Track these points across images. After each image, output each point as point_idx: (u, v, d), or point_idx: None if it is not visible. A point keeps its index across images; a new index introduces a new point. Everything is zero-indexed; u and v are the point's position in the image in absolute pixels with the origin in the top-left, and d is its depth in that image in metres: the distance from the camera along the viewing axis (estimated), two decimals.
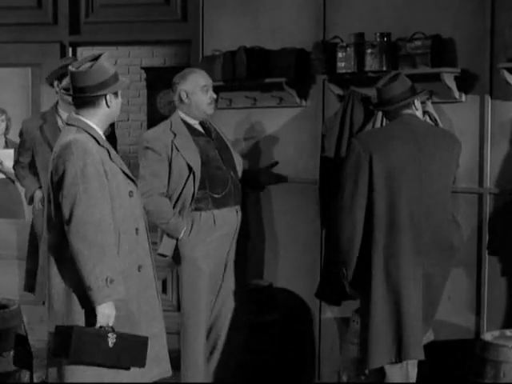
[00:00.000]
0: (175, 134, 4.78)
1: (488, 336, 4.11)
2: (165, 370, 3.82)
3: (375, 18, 5.11)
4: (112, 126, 5.17)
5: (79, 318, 3.57)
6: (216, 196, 4.80)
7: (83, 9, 6.73)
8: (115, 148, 5.05)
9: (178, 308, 6.50)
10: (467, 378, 4.11)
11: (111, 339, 3.51)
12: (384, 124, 4.66)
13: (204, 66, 5.93)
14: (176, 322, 6.42)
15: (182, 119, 4.85)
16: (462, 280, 4.56)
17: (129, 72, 9.29)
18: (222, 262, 4.88)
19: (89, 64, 3.64)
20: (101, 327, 3.52)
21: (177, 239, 4.77)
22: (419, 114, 4.25)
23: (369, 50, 4.87)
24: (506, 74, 4.42)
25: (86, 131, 3.63)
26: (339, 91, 5.26)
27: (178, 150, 4.74)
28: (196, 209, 4.77)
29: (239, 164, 4.98)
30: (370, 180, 4.02)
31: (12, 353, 4.45)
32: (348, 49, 4.97)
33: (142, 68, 9.62)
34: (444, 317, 4.62)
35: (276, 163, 5.15)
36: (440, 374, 4.57)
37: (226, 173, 4.86)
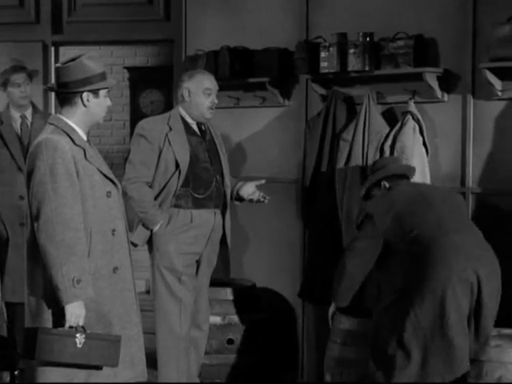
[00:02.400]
0: (171, 128, 4.80)
1: (470, 336, 4.11)
2: (140, 373, 3.75)
3: (358, 17, 5.12)
4: None
5: (49, 318, 3.54)
6: (197, 196, 4.80)
7: (65, 8, 6.71)
8: None
9: None
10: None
11: (79, 339, 3.47)
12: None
13: (187, 65, 5.93)
14: None
15: (180, 115, 4.88)
16: None
17: (112, 72, 9.26)
18: (193, 261, 4.87)
19: (71, 61, 3.61)
20: (70, 327, 3.48)
21: (151, 231, 4.77)
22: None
23: (351, 50, 4.88)
24: (488, 74, 4.43)
25: (63, 130, 3.59)
26: (322, 91, 5.26)
27: (170, 144, 4.76)
28: (175, 205, 4.78)
29: (227, 170, 4.97)
30: None
31: None
32: (331, 48, 4.98)
33: (125, 68, 9.60)
34: None
35: (264, 183, 5.09)
36: None
37: (211, 175, 4.86)
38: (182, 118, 4.88)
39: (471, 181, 4.70)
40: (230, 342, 5.29)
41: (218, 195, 4.89)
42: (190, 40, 6.17)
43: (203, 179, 4.83)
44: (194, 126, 4.91)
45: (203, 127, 4.95)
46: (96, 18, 6.58)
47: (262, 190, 5.00)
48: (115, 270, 3.66)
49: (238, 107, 5.85)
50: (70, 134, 3.60)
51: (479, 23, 4.59)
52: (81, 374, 3.56)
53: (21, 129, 5.36)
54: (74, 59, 3.61)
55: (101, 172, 3.66)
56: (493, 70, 4.43)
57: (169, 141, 4.77)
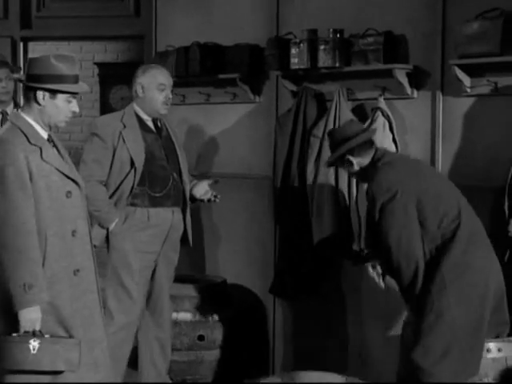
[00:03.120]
0: (125, 125, 4.72)
1: None
2: (104, 376, 3.66)
3: (328, 14, 5.12)
4: None
5: (6, 323, 3.44)
6: (154, 194, 4.73)
7: (34, 3, 6.66)
8: None
9: None
10: None
11: (33, 345, 3.38)
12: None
13: (157, 61, 5.91)
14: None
15: (135, 112, 4.81)
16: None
17: (81, 67, 9.21)
18: (151, 260, 4.80)
19: (42, 56, 3.49)
20: (26, 332, 3.39)
21: (107, 230, 4.71)
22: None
23: (322, 46, 4.88)
24: (457, 71, 4.46)
25: (20, 128, 3.47)
26: (293, 87, 5.27)
27: (125, 142, 4.68)
28: (131, 204, 4.71)
29: (185, 167, 4.90)
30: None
31: None
32: (301, 45, 4.98)
33: (95, 63, 9.55)
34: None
35: (217, 182, 5.06)
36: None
37: (168, 173, 4.79)
38: (137, 115, 4.79)
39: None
40: (201, 338, 5.29)
41: (176, 193, 4.82)
42: (160, 36, 6.15)
43: (160, 177, 4.76)
44: (149, 123, 4.83)
45: (159, 123, 4.88)
46: (65, 13, 6.54)
47: (215, 188, 4.98)
48: (76, 272, 3.56)
49: (209, 103, 5.84)
50: (26, 133, 3.47)
51: (448, 20, 4.61)
52: (45, 379, 3.47)
53: (1, 124, 5.30)
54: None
55: (60, 171, 3.52)
56: (462, 67, 4.45)
57: (123, 138, 4.68)
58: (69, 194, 3.55)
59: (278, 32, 5.37)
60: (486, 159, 4.49)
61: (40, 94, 3.46)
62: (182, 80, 5.76)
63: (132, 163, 4.67)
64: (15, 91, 6.02)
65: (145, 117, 4.82)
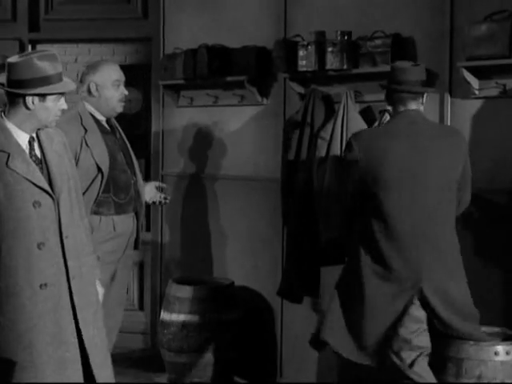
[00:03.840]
0: (86, 130, 4.43)
1: None
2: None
3: (336, 16, 5.12)
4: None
5: None
6: (119, 201, 4.51)
7: (43, 6, 6.67)
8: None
9: (140, 307, 6.50)
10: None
11: None
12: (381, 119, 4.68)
13: (165, 63, 5.92)
14: (139, 321, 6.42)
15: (90, 113, 4.52)
16: None
17: None
18: (112, 268, 4.54)
19: (22, 58, 3.34)
20: None
21: None
22: (422, 109, 4.11)
23: (330, 49, 4.88)
24: (465, 73, 4.45)
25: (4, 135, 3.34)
26: (300, 89, 5.26)
27: (88, 147, 4.39)
28: (95, 213, 4.43)
29: (138, 168, 4.69)
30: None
31: None
32: (309, 47, 4.98)
33: None
34: None
35: (164, 188, 4.92)
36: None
37: (129, 177, 4.58)
38: (92, 116, 4.52)
39: None
40: (208, 340, 5.29)
41: (137, 198, 4.61)
42: (168, 38, 6.16)
43: (123, 182, 4.54)
44: (104, 123, 4.57)
45: (111, 123, 4.63)
46: (73, 15, 6.55)
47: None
48: (43, 286, 3.35)
49: (217, 105, 5.84)
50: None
51: (456, 22, 4.60)
52: None
53: None
54: (27, 55, 3.35)
55: (28, 180, 3.33)
56: (470, 69, 4.44)
57: (86, 144, 4.38)
58: (36, 204, 3.35)
59: (285, 34, 5.37)
60: (494, 161, 4.48)
61: (29, 98, 3.34)
62: (190, 82, 5.77)
63: (98, 169, 4.40)
64: None
65: (100, 117, 4.56)
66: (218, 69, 5.59)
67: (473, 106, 4.57)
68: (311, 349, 4.34)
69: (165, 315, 5.46)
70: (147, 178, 6.68)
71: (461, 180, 4.05)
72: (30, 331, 3.32)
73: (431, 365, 4.03)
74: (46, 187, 3.38)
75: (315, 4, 5.27)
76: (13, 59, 3.36)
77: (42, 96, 3.35)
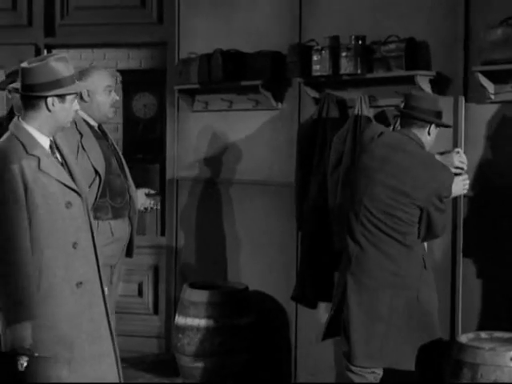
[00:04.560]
0: (82, 134, 4.43)
1: (463, 338, 4.12)
2: None
3: (350, 21, 5.12)
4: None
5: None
6: (115, 205, 4.51)
7: (58, 11, 6.69)
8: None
9: (155, 311, 6.51)
10: (444, 380, 4.12)
11: (21, 362, 3.30)
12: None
13: (180, 68, 5.94)
14: (153, 325, 6.43)
15: (83, 119, 4.51)
16: (437, 282, 4.57)
17: None
18: (107, 273, 4.43)
19: (37, 62, 3.41)
20: (14, 349, 3.30)
21: None
22: (429, 140, 4.23)
23: (344, 53, 4.88)
24: (481, 77, 4.44)
25: (18, 138, 3.40)
26: (315, 94, 5.26)
27: (85, 151, 4.40)
28: (94, 217, 4.27)
29: (129, 174, 4.67)
30: None
31: None
32: (323, 52, 4.98)
33: (118, 70, 9.59)
34: None
35: (156, 194, 4.89)
36: (416, 376, 4.58)
37: (123, 181, 4.58)
38: (86, 122, 4.53)
39: None
40: (223, 344, 5.29)
41: (132, 202, 4.60)
42: (183, 43, 6.17)
43: (119, 186, 4.54)
44: (97, 129, 4.58)
45: (102, 128, 4.64)
46: (89, 20, 6.57)
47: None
48: (79, 284, 3.44)
49: (231, 110, 5.85)
50: (24, 143, 3.40)
51: (471, 26, 4.59)
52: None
53: None
54: (41, 60, 3.42)
55: (59, 182, 3.43)
56: (485, 73, 4.43)
57: (83, 148, 4.39)
58: (69, 204, 3.45)
59: (300, 39, 5.37)
60: (509, 166, 4.46)
61: (50, 100, 3.41)
62: (205, 87, 5.78)
63: (96, 173, 4.40)
64: None
65: (92, 123, 4.57)
66: (233, 73, 5.60)
67: (488, 111, 4.55)
68: (325, 352, 4.35)
69: (179, 319, 5.46)
70: (162, 182, 6.70)
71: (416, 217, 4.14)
72: (71, 330, 3.41)
73: (446, 369, 4.03)
74: (76, 188, 3.48)
75: (329, 9, 5.27)
76: (27, 65, 3.42)
77: (62, 97, 3.42)
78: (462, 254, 4.66)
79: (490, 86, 4.48)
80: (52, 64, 3.39)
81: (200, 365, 5.35)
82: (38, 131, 3.45)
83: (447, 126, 4.34)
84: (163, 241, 6.47)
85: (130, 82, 9.35)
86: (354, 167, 4.35)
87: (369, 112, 4.90)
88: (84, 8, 6.61)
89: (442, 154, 4.31)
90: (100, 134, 4.61)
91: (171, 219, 6.38)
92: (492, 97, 4.50)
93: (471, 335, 4.19)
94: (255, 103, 5.69)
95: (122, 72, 9.52)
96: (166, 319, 6.38)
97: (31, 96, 3.41)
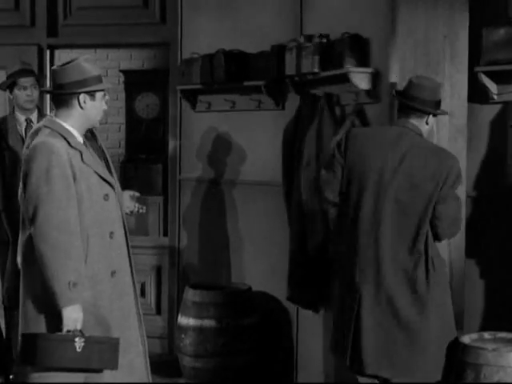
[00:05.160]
0: None
1: (466, 339, 4.11)
2: (140, 379, 3.73)
3: (348, 19, 5.10)
4: None
5: (45, 323, 3.52)
6: None
7: (61, 11, 6.70)
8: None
9: (158, 312, 6.51)
10: (447, 380, 4.11)
11: (78, 343, 3.45)
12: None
13: (182, 68, 5.94)
14: (156, 326, 6.42)
15: None
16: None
17: (107, 75, 9.25)
18: None
19: (68, 64, 3.63)
20: (68, 331, 3.47)
21: None
22: (427, 129, 4.12)
23: (304, 52, 4.83)
24: (484, 78, 4.43)
25: (59, 133, 3.58)
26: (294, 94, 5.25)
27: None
28: None
29: (116, 175, 4.75)
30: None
31: None
32: (292, 51, 4.96)
33: (121, 71, 9.60)
34: None
35: (142, 197, 4.92)
36: None
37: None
38: None
39: (466, 184, 4.69)
40: (225, 345, 5.29)
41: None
42: (186, 43, 6.17)
43: None
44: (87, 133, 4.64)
45: (93, 131, 4.72)
46: (91, 21, 6.57)
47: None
48: (113, 273, 3.64)
49: (234, 110, 5.85)
50: (65, 137, 3.59)
51: (474, 26, 4.58)
52: (79, 378, 3.53)
53: (25, 132, 5.30)
54: (70, 62, 3.62)
55: (98, 174, 3.65)
56: (488, 74, 4.42)
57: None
58: (106, 196, 3.66)
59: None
60: None
61: (82, 97, 3.61)
62: (208, 87, 5.78)
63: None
64: (41, 98, 6.07)
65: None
66: (236, 74, 5.60)
67: (491, 111, 4.55)
68: (328, 353, 4.34)
69: (182, 320, 5.46)
70: (165, 182, 6.70)
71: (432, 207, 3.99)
72: (108, 315, 3.60)
73: (449, 370, 4.02)
74: (112, 181, 3.72)
75: (330, 7, 5.25)
76: (59, 66, 3.64)
77: (92, 95, 3.63)
78: (465, 255, 4.65)
79: (492, 87, 4.47)
80: (82, 64, 3.61)
81: (203, 365, 5.34)
82: (73, 128, 3.64)
83: (445, 114, 4.29)
84: (166, 241, 6.48)
85: (133, 83, 9.37)
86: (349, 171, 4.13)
87: (331, 110, 4.84)
88: (87, 8, 6.61)
89: None
90: (89, 135, 4.60)
91: (174, 220, 6.38)
92: (495, 97, 4.49)
93: (474, 336, 4.18)
94: (258, 103, 5.69)
95: (125, 72, 9.55)
96: (169, 319, 6.38)
97: (64, 94, 3.60)
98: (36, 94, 5.38)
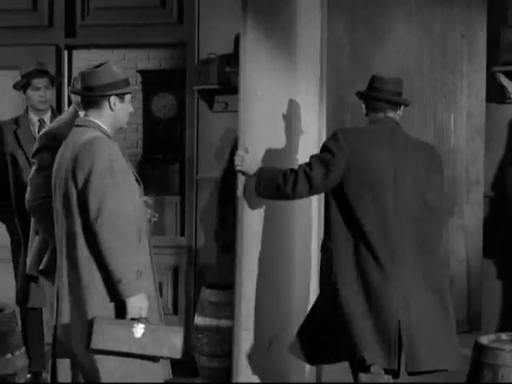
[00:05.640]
0: None
1: (484, 340, 4.10)
2: (168, 373, 3.85)
3: None
4: None
5: (110, 310, 3.58)
6: None
7: (79, 11, 6.71)
8: None
9: (174, 311, 6.51)
10: (465, 381, 4.11)
11: (139, 329, 3.51)
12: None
13: (199, 68, 5.95)
14: (172, 325, 6.42)
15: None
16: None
17: None
18: None
19: (98, 67, 3.72)
20: (133, 319, 3.52)
21: None
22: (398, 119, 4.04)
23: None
24: (501, 77, 4.42)
25: (101, 131, 3.68)
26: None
27: None
28: None
29: None
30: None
31: (9, 356, 4.46)
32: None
33: (138, 71, 9.62)
34: None
35: (149, 204, 4.91)
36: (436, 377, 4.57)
37: None
38: None
39: (484, 185, 4.68)
40: (227, 344, 5.28)
41: None
42: (203, 43, 6.18)
43: None
44: None
45: None
46: (109, 21, 6.58)
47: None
48: (139, 273, 3.63)
49: None
50: (106, 134, 3.68)
51: (492, 26, 4.57)
52: (134, 365, 3.60)
53: (38, 132, 5.32)
54: (100, 65, 3.72)
55: (134, 175, 3.75)
56: (506, 73, 4.41)
57: None
58: (140, 195, 3.76)
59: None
60: None
61: (112, 99, 3.68)
62: (225, 87, 5.78)
63: None
64: (58, 99, 6.10)
65: None
66: None
67: (508, 111, 4.53)
68: None
69: (199, 320, 5.47)
70: (182, 182, 6.71)
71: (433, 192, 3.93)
72: (157, 308, 3.71)
73: (467, 371, 4.01)
74: (140, 181, 3.79)
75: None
76: (89, 69, 3.74)
77: (121, 97, 3.71)
78: (482, 255, 4.64)
79: (510, 86, 4.46)
80: (112, 67, 3.71)
81: (219, 365, 5.34)
82: (105, 128, 3.71)
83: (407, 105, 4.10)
84: (183, 241, 6.48)
85: (150, 83, 9.39)
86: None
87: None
88: (104, 8, 6.63)
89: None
90: None
91: (191, 219, 6.39)
92: None
93: (492, 337, 4.17)
94: None
95: (142, 72, 9.56)
96: (186, 319, 6.39)
97: (95, 96, 3.67)
98: (49, 94, 5.40)
